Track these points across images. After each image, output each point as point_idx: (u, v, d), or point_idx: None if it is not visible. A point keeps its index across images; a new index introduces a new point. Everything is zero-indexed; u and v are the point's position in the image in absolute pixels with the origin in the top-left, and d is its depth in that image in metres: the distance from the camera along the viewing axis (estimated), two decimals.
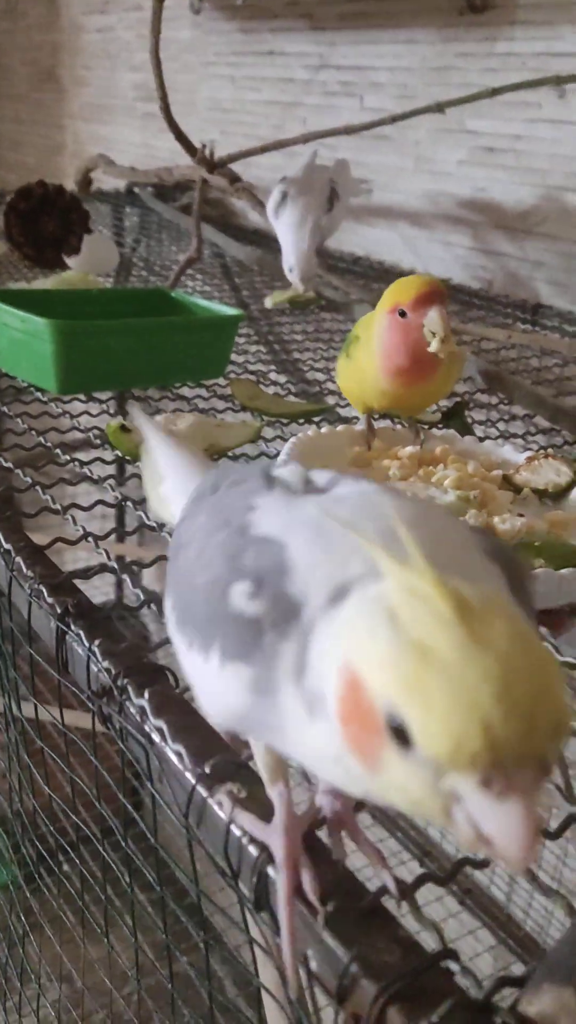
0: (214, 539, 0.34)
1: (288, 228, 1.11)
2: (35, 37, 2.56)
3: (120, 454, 0.71)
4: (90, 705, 0.42)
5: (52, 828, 0.70)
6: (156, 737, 0.37)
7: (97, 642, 0.43)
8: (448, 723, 0.24)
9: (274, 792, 0.35)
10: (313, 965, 0.30)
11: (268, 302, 1.22)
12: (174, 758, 0.37)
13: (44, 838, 0.77)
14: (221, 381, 0.88)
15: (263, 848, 0.33)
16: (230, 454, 0.70)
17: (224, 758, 0.36)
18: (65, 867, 0.78)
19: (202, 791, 0.35)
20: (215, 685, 0.33)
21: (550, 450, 0.72)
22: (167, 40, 1.40)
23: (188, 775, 0.36)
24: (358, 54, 1.51)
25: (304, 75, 1.61)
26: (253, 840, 0.34)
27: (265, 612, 0.30)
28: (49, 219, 1.26)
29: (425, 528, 0.30)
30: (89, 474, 0.64)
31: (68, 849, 0.76)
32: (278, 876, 0.32)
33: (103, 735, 0.44)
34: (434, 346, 0.65)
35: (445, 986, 0.28)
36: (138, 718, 0.39)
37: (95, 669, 0.42)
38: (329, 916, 0.30)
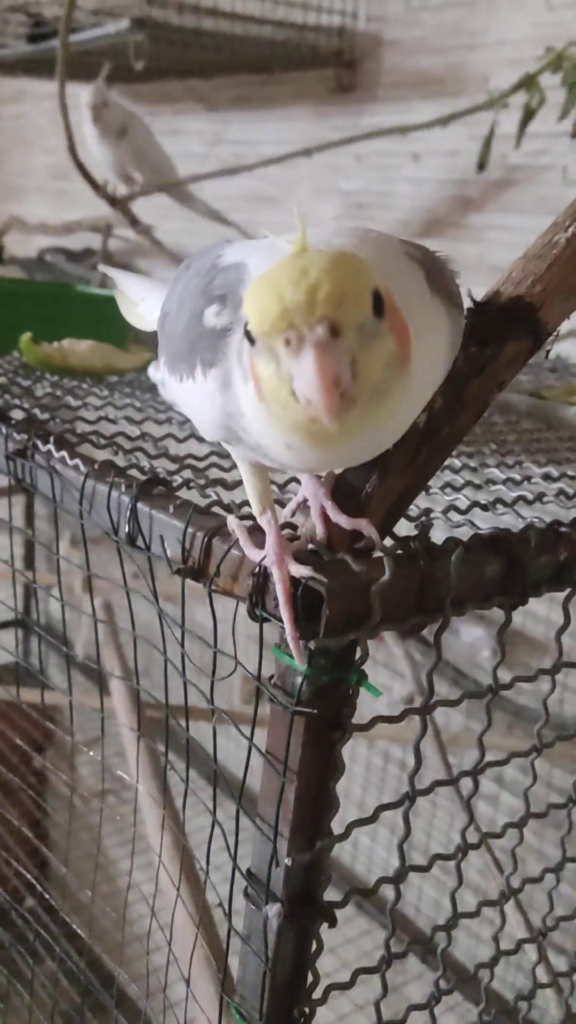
0: (190, 287, 0.41)
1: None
2: None
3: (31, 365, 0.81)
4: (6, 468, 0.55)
5: None
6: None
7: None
8: (256, 304, 0.32)
9: (263, 519, 0.40)
10: None
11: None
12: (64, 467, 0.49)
13: None
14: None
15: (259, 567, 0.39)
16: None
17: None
18: None
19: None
20: (202, 398, 0.38)
21: None
22: (80, 127, 1.58)
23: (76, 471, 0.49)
24: (247, 131, 1.73)
25: (202, 150, 1.82)
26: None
27: (229, 320, 0.36)
28: None
29: (357, 236, 0.37)
30: None
31: None
32: (277, 586, 0.37)
33: None
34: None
35: None
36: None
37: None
38: None
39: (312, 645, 0.38)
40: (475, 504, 0.50)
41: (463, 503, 0.51)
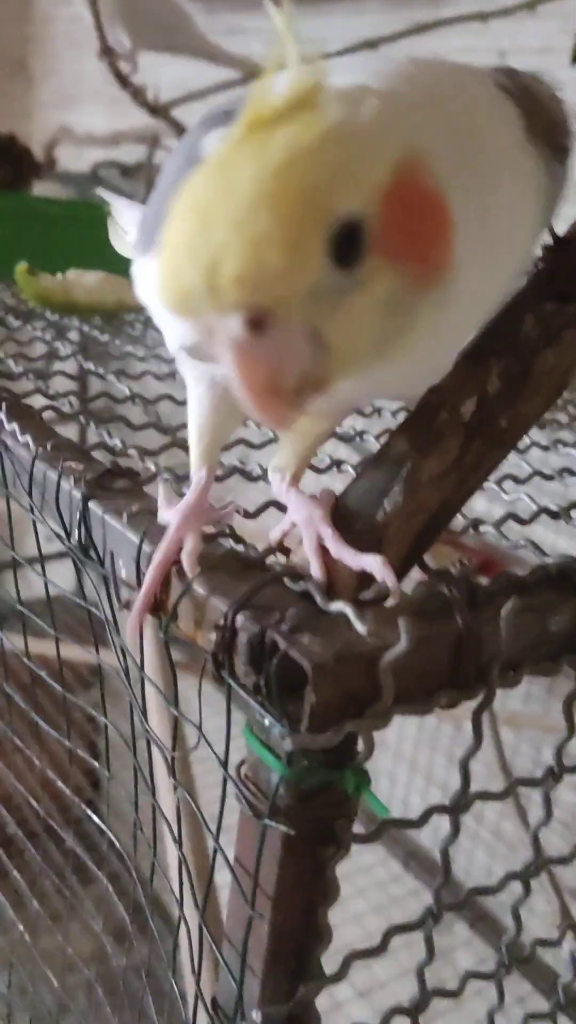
0: (162, 181, 0.33)
1: None
2: (6, 30, 2.62)
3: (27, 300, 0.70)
4: None
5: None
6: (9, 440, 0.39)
7: None
8: (161, 269, 0.23)
9: (196, 476, 0.34)
10: None
11: None
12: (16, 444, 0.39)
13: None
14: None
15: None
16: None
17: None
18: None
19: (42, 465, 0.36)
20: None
21: None
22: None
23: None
24: (314, 27, 1.55)
25: (263, 50, 1.65)
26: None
27: None
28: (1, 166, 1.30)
29: (403, 75, 0.29)
30: None
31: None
32: (156, 552, 0.31)
33: None
34: None
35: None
36: None
37: None
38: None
39: (289, 744, 0.26)
40: (543, 510, 0.38)
41: (526, 506, 0.39)
